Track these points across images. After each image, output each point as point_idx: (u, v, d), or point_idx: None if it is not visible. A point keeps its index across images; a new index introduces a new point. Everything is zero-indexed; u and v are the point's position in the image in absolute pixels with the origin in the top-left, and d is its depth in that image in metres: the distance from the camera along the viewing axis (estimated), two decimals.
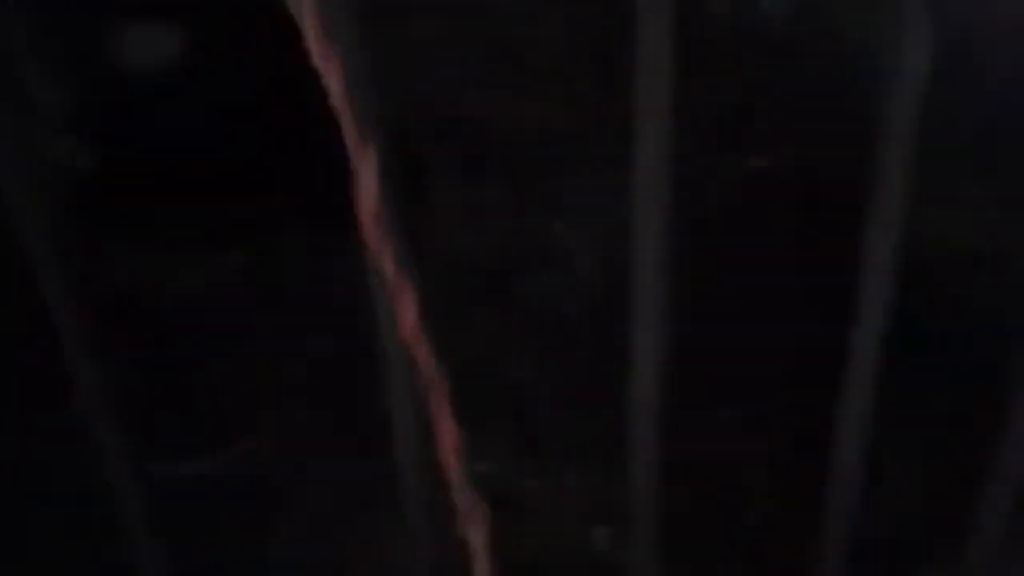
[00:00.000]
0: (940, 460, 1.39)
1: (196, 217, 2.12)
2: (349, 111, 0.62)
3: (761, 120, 2.11)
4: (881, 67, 0.78)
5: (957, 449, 1.34)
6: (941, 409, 1.47)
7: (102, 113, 2.30)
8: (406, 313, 0.72)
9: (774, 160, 2.01)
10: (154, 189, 2.14)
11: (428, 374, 0.75)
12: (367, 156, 0.65)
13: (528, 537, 1.41)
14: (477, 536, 0.80)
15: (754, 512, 1.41)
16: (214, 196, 2.13)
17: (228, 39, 2.19)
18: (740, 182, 1.99)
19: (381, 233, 0.68)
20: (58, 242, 0.71)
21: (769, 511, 1.41)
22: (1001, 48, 1.85)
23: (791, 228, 1.89)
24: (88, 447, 0.80)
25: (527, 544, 1.41)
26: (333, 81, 0.61)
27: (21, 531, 1.50)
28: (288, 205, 2.09)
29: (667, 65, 0.68)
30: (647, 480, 0.93)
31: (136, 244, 2.08)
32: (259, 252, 2.08)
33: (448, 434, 0.75)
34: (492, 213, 2.11)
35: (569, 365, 1.75)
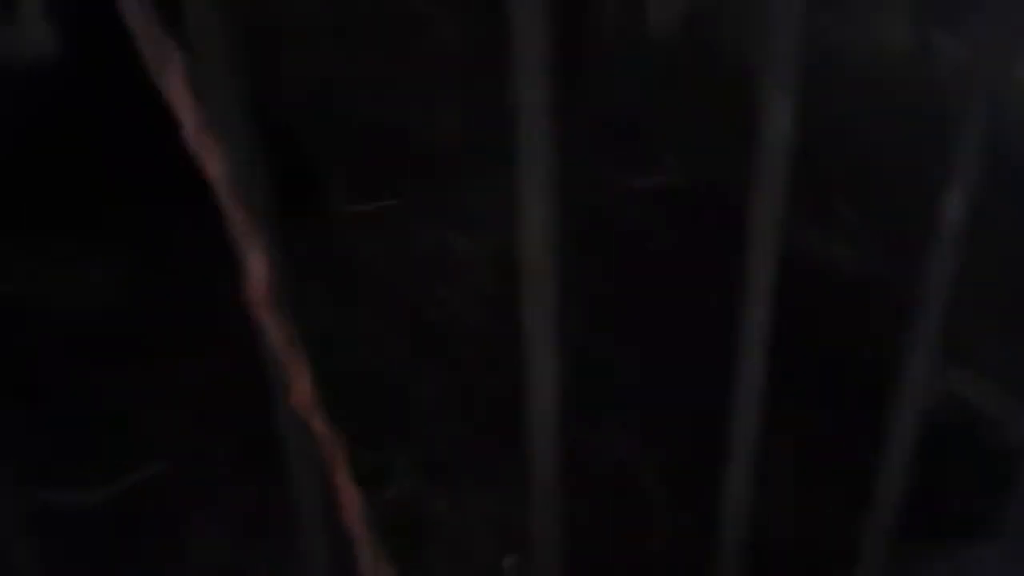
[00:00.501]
0: (825, 477, 1.44)
1: (73, 220, 2.03)
2: (235, 200, 0.61)
3: (649, 139, 2.14)
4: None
5: (840, 470, 1.39)
6: (823, 428, 1.52)
7: None
8: (300, 385, 0.72)
9: (662, 179, 2.04)
10: (25, 188, 2.05)
11: (325, 442, 0.75)
12: (255, 240, 0.64)
13: (438, 560, 1.41)
14: None
15: (653, 524, 1.44)
16: (92, 196, 2.05)
17: (105, 36, 2.11)
18: (629, 201, 2.02)
19: (271, 313, 0.67)
20: None
21: (668, 524, 1.44)
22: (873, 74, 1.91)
23: (680, 246, 1.93)
24: None
25: (437, 568, 1.41)
26: (214, 170, 0.60)
27: None
28: (175, 206, 2.02)
29: (543, 73, 0.67)
30: (548, 497, 0.93)
31: (6, 249, 1.99)
32: (142, 259, 2.01)
33: (350, 500, 0.75)
34: (388, 224, 2.08)
35: (471, 381, 1.74)
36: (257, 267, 0.65)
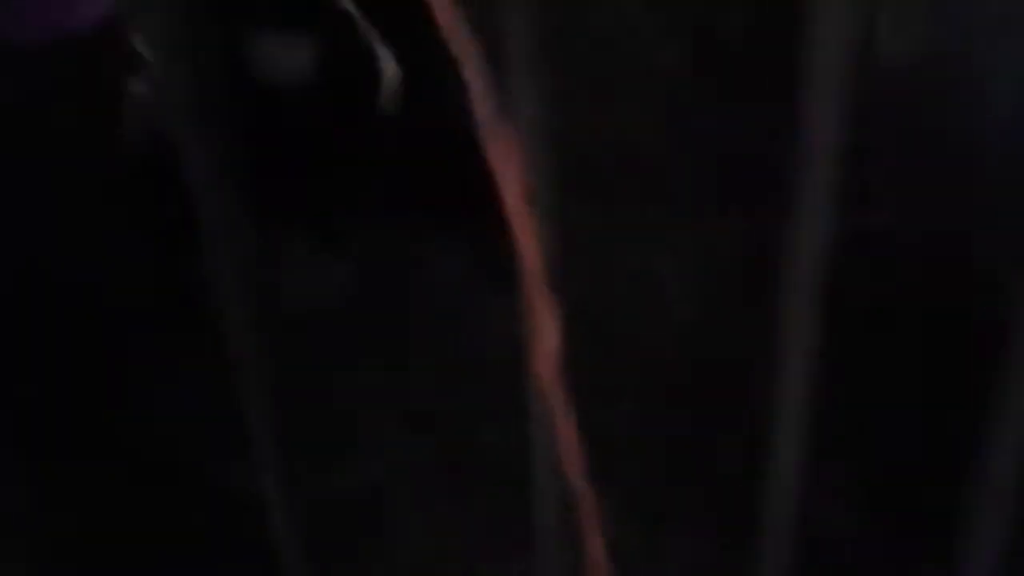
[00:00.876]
0: None
1: (307, 220, 2.14)
2: (541, 282, 0.64)
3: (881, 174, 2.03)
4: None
5: None
6: None
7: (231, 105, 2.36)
8: (570, 452, 0.74)
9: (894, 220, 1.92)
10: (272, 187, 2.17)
11: (583, 502, 0.77)
12: (550, 315, 0.67)
13: None
14: None
15: None
16: (327, 199, 2.15)
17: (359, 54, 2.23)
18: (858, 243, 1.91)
19: (556, 383, 0.70)
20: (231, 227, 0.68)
21: None
22: None
23: (918, 296, 1.82)
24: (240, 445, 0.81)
25: None
26: (532, 260, 0.62)
27: (165, 539, 1.55)
28: (400, 212, 2.09)
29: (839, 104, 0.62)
30: (778, 558, 0.90)
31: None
32: (370, 260, 2.08)
33: (599, 567, 0.77)
34: (590, 242, 2.05)
35: (668, 415, 1.71)
36: (549, 338, 0.67)
